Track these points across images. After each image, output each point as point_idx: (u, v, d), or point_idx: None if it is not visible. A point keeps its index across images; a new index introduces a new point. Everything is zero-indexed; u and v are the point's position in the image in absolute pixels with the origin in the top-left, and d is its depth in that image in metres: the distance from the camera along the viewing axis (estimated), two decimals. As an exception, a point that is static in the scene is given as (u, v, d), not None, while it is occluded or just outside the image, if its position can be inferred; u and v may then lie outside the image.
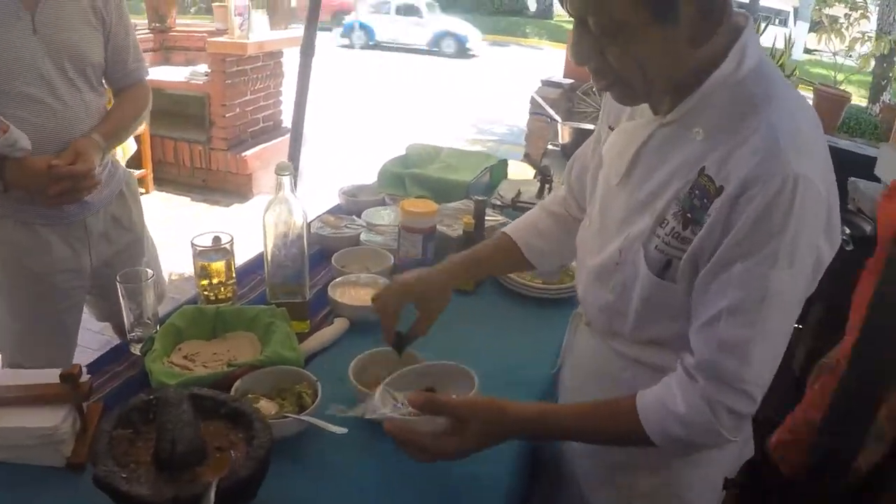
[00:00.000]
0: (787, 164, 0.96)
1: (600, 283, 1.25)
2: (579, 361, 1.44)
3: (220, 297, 1.75)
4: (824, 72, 9.21)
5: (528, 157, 2.75)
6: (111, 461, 1.10)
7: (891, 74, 8.47)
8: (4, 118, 1.71)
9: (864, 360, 1.37)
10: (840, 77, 6.46)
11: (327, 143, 7.53)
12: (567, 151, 3.54)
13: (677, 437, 1.09)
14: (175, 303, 1.79)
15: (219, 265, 1.73)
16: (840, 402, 1.43)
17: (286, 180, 1.59)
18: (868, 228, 2.67)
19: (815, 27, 5.32)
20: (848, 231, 2.43)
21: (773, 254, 0.97)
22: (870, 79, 8.93)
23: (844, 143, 3.83)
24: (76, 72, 1.88)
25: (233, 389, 1.38)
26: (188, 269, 4.31)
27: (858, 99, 8.20)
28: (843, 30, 6.11)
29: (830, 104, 4.11)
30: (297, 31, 5.59)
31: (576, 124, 3.74)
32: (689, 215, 1.05)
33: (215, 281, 1.74)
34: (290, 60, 4.47)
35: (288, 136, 6.09)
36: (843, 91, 4.47)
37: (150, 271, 1.59)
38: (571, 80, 5.15)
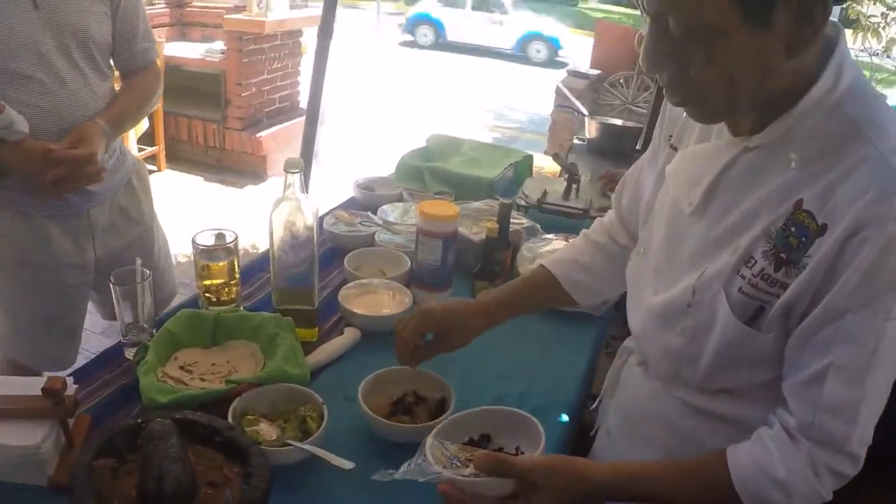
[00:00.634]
0: None
1: (665, 325, 1.12)
2: (630, 403, 1.30)
3: (222, 299, 1.63)
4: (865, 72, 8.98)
5: (557, 157, 2.60)
6: (91, 497, 0.99)
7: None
8: (0, 99, 1.60)
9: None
10: (879, 77, 6.27)
11: (347, 129, 7.40)
12: (593, 147, 3.41)
13: (776, 502, 0.97)
14: (183, 294, 1.66)
15: (221, 265, 1.61)
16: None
17: (296, 178, 1.45)
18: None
19: (852, 24, 5.13)
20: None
21: (885, 307, 0.87)
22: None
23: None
24: (80, 52, 1.77)
25: (230, 409, 1.27)
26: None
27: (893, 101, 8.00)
28: (879, 29, 5.91)
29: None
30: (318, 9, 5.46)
31: (603, 119, 3.61)
32: (783, 255, 0.94)
33: (217, 282, 1.62)
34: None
35: (305, 117, 6.06)
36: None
37: (146, 271, 1.46)
38: (598, 71, 5.02)
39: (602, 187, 2.50)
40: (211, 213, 4.76)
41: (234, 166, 5.87)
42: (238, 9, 5.69)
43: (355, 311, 1.65)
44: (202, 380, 1.38)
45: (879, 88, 5.17)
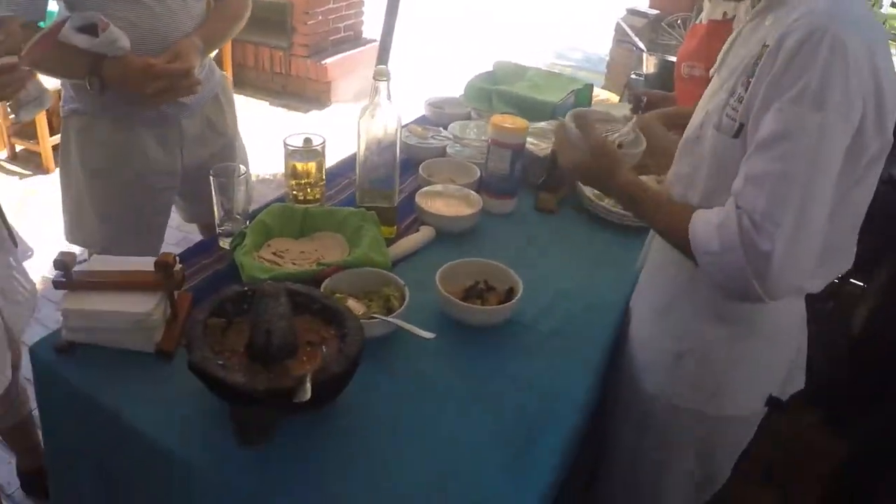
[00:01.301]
0: (823, 23, 1.03)
1: (681, 158, 1.35)
2: (654, 254, 1.51)
3: (308, 197, 1.75)
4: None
5: (628, 86, 2.64)
6: (207, 348, 1.12)
7: None
8: (105, 17, 1.70)
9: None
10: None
11: (411, 55, 7.40)
12: (650, 82, 3.43)
13: (709, 245, 1.13)
14: (258, 204, 1.79)
15: (310, 165, 1.72)
16: None
17: (384, 86, 1.56)
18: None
19: None
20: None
21: (800, 93, 1.03)
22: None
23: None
24: None
25: (321, 287, 1.39)
26: (265, 172, 4.35)
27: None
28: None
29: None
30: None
31: (661, 55, 3.59)
32: (750, 80, 1.13)
33: (305, 181, 1.74)
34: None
35: (368, 46, 6.12)
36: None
37: (242, 167, 1.59)
38: (657, 11, 4.93)
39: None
40: (276, 137, 4.86)
41: (300, 92, 5.96)
42: (307, -62, 5.71)
43: (431, 211, 1.77)
44: (294, 264, 1.52)
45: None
